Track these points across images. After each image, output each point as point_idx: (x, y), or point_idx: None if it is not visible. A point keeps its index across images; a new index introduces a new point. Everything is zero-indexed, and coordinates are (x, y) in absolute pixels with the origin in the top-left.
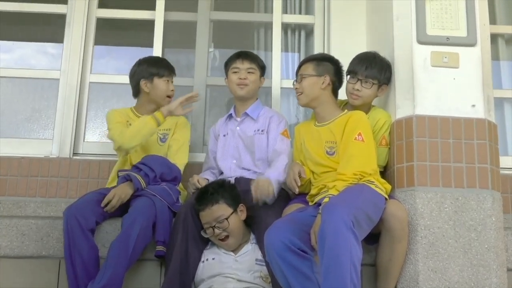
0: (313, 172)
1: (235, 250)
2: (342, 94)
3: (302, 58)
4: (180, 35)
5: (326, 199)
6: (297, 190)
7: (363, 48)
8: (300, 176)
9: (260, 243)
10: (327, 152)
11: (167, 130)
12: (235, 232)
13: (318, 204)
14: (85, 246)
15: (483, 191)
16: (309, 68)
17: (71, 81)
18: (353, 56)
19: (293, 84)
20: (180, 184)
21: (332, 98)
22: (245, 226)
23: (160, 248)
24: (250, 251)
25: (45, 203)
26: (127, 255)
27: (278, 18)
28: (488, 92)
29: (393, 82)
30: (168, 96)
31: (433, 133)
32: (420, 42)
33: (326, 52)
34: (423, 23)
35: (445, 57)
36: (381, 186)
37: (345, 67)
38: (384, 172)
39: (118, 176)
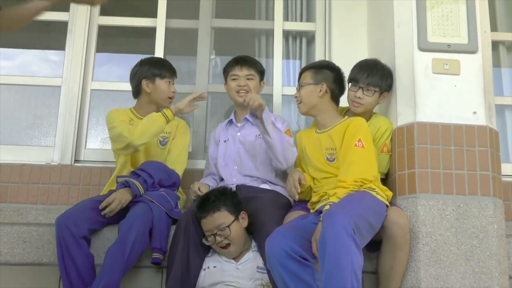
0: (314, 178)
1: (237, 258)
2: (343, 101)
3: (303, 65)
4: (182, 42)
5: (327, 207)
6: (297, 197)
7: (364, 55)
8: (300, 183)
9: (261, 250)
10: (327, 159)
11: (167, 133)
12: (236, 239)
13: (319, 212)
14: (79, 255)
15: (484, 198)
16: (308, 77)
17: (72, 88)
18: (354, 63)
19: (295, 92)
20: (180, 189)
21: (331, 106)
22: (247, 233)
23: (156, 255)
24: (252, 258)
25: (47, 210)
26: (123, 260)
27: (279, 25)
28: (490, 99)
29: (395, 89)
30: (170, 98)
31: (435, 140)
32: (421, 49)
33: (327, 59)
34: (424, 30)
35: (446, 64)
36: (382, 193)
37: (346, 74)
38: (386, 179)
39: (117, 182)
